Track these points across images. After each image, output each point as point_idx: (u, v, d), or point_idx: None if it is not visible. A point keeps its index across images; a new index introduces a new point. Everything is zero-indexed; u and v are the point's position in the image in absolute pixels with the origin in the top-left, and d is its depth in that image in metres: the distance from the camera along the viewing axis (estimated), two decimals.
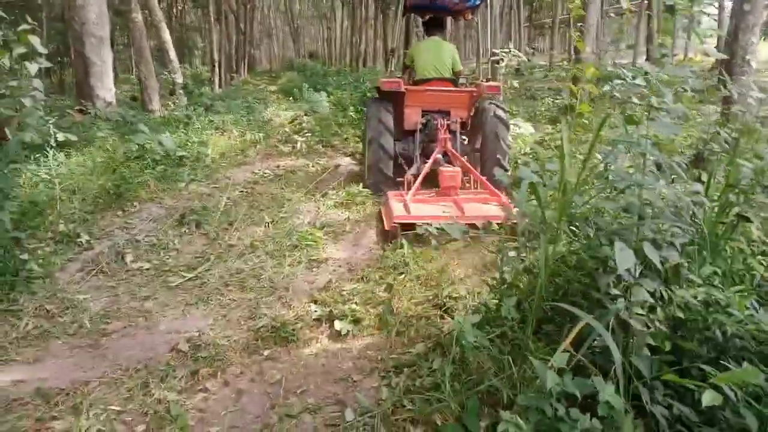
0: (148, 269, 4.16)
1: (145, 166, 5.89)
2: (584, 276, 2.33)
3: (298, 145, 7.21)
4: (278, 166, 6.78)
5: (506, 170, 5.57)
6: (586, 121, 6.59)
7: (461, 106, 6.10)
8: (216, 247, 4.63)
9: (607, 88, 4.39)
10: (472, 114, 6.23)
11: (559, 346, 1.85)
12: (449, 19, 7.58)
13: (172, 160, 6.17)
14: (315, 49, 58.31)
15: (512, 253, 2.90)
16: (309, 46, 60.71)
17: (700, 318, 1.92)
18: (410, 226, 4.05)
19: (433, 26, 6.54)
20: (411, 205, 4.77)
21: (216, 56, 20.36)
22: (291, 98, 14.91)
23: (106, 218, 5.09)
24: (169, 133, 6.97)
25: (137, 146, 5.96)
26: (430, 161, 5.43)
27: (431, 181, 5.46)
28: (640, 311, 1.95)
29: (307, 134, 7.47)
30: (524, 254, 2.84)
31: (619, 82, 4.23)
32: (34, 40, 4.07)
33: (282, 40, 63.96)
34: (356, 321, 3.29)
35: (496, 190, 5.07)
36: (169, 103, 12.54)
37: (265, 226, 5.06)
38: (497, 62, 13.24)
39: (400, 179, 5.71)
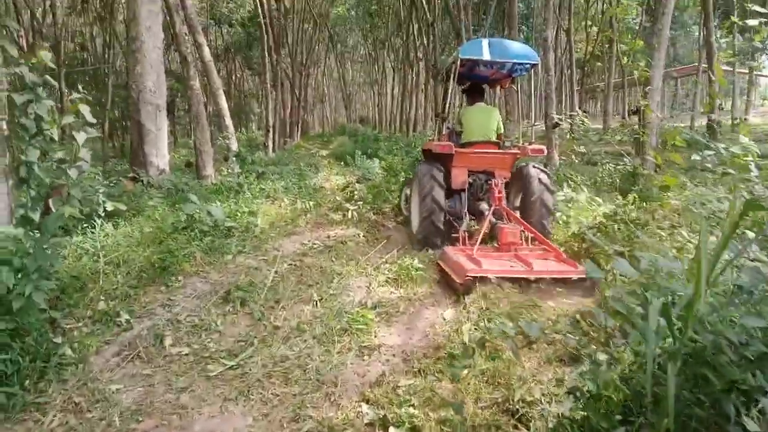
0: (187, 354, 3.85)
1: (192, 237, 5.71)
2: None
3: (349, 213, 6.97)
4: (328, 237, 6.51)
5: (548, 231, 6.05)
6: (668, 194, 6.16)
7: (505, 166, 6.49)
8: (260, 329, 4.30)
9: (696, 157, 3.98)
10: (516, 175, 6.56)
11: None
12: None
13: (221, 231, 5.99)
14: (366, 114, 59.67)
15: (602, 356, 2.46)
16: (360, 112, 62.23)
17: None
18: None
19: (475, 92, 7.05)
20: (480, 259, 4.97)
21: (270, 121, 20.83)
22: (342, 163, 14.91)
23: (149, 294, 4.86)
24: (220, 202, 6.87)
25: (186, 216, 5.81)
26: (489, 215, 5.85)
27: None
28: None
29: (358, 202, 7.24)
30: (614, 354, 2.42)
31: (709, 153, 3.80)
32: (84, 109, 3.98)
33: (334, 105, 66.00)
34: (414, 430, 2.84)
35: (553, 245, 5.38)
36: (223, 168, 12.71)
37: (313, 305, 4.72)
38: (555, 125, 12.89)
39: (455, 234, 6.13)
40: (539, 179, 6.12)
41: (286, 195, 7.86)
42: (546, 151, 7.78)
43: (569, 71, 34.14)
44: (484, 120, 6.67)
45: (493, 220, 5.98)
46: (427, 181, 6.03)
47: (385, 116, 42.68)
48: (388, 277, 5.28)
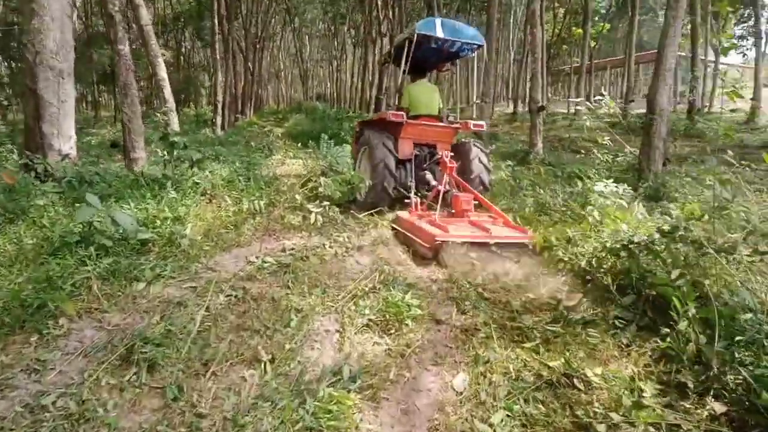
0: None
1: (88, 256, 3.98)
2: None
3: (312, 216, 5.32)
4: (284, 250, 4.85)
5: (487, 189, 6.70)
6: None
7: (447, 140, 6.94)
8: (174, 416, 2.71)
9: None
10: (456, 149, 6.95)
11: None
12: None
13: (131, 246, 4.29)
14: (323, 91, 57.53)
15: None
16: (318, 89, 60.05)
17: None
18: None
19: (418, 71, 7.53)
20: (445, 225, 5.19)
21: (219, 96, 18.81)
22: (300, 144, 13.19)
23: (10, 349, 3.19)
24: (135, 201, 5.14)
25: (80, 226, 4.09)
26: (443, 184, 6.08)
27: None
28: None
29: (324, 203, 5.56)
30: None
31: None
32: None
33: (291, 81, 63.49)
34: None
35: (500, 212, 5.70)
36: (158, 150, 10.81)
37: (261, 369, 3.14)
38: (541, 109, 11.54)
39: (408, 200, 6.28)
40: (479, 158, 6.71)
41: (229, 190, 6.14)
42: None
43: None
44: (429, 96, 7.16)
45: (446, 188, 6.18)
46: (379, 149, 6.28)
47: (344, 94, 40.67)
48: (370, 319, 3.72)
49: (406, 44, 6.67)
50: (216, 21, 19.00)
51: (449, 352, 3.47)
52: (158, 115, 10.66)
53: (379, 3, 29.32)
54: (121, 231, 4.16)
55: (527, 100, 39.92)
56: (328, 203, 5.51)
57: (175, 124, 12.02)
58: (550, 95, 41.42)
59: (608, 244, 4.44)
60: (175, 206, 5.18)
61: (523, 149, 12.66)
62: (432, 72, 8.82)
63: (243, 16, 30.87)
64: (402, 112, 6.64)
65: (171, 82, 36.53)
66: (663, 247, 4.04)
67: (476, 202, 6.04)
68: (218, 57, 19.12)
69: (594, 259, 4.49)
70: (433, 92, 7.31)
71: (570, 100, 28.26)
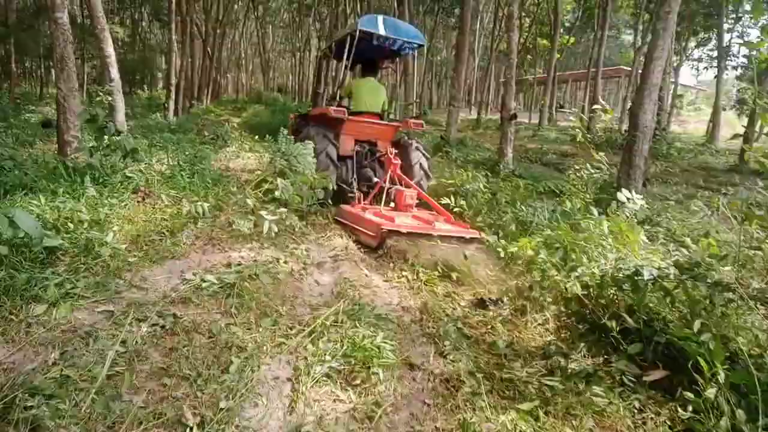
0: None
1: None
2: None
3: (265, 225, 4.52)
4: (229, 264, 4.05)
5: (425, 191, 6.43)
6: None
7: (387, 137, 6.99)
8: None
9: None
10: (396, 146, 6.89)
11: None
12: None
13: (34, 256, 3.42)
14: (285, 83, 56.19)
15: None
16: (279, 80, 58.67)
17: None
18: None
19: (367, 68, 7.51)
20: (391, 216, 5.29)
21: (173, 80, 17.62)
22: (257, 137, 12.31)
23: None
24: (53, 195, 4.23)
25: None
26: (386, 180, 6.06)
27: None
28: None
29: (280, 209, 4.74)
30: None
31: None
32: None
33: (252, 70, 61.91)
34: None
35: (442, 208, 5.73)
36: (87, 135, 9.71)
37: None
38: (513, 117, 11.04)
39: (352, 195, 6.39)
40: (420, 163, 6.70)
41: (168, 187, 5.28)
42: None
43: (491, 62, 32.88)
44: (374, 94, 7.15)
45: (388, 185, 6.18)
46: (321, 140, 6.25)
47: (307, 87, 39.59)
48: (331, 366, 2.98)
49: (348, 39, 6.75)
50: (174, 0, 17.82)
51: (428, 413, 2.78)
52: (101, 94, 9.59)
53: None
54: (21, 236, 3.28)
55: (490, 107, 39.94)
56: (285, 210, 4.72)
57: (120, 107, 10.90)
58: (515, 104, 41.53)
59: (611, 272, 3.84)
60: (97, 206, 4.29)
61: (492, 159, 12.14)
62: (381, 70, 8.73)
63: None
64: (343, 108, 6.76)
65: (125, 62, 34.81)
66: (677, 285, 3.46)
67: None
68: (173, 38, 17.89)
69: (592, 288, 3.87)
70: (378, 90, 7.33)
71: (565, 109, 28.19)
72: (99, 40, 10.70)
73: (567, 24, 39.68)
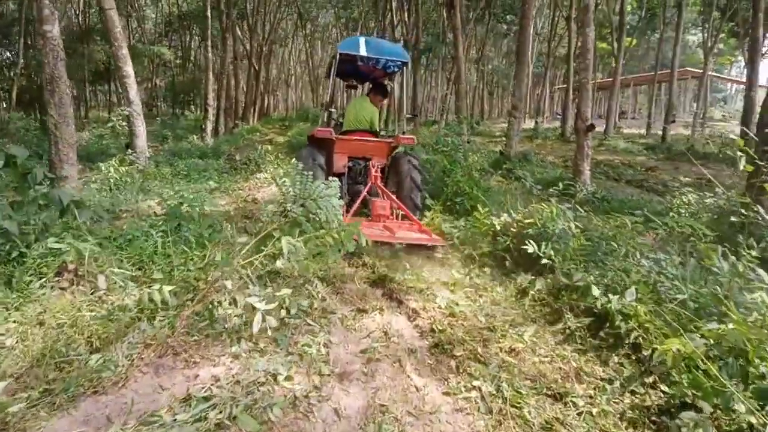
0: None
1: None
2: None
3: (256, 321, 2.85)
4: (188, 397, 2.49)
5: (419, 208, 6.60)
6: None
7: (380, 153, 7.20)
8: None
9: None
10: (389, 163, 7.21)
11: None
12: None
13: None
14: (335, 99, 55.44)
15: None
16: (327, 97, 57.88)
17: None
18: None
19: (376, 89, 7.62)
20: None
21: (211, 100, 16.62)
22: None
23: None
24: None
25: None
26: (364, 192, 6.46)
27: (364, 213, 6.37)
28: None
29: (284, 291, 3.11)
30: None
31: None
32: None
33: (301, 88, 61.80)
34: None
35: (415, 219, 6.05)
36: (113, 164, 8.54)
37: None
38: (590, 129, 9.25)
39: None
40: (410, 176, 6.64)
41: (122, 258, 3.57)
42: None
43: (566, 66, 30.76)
44: (364, 112, 7.31)
45: (368, 197, 6.50)
46: (308, 162, 6.33)
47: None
48: None
49: (333, 62, 7.20)
50: (208, 12, 16.86)
51: None
52: (113, 120, 8.44)
53: (394, 6, 27.22)
54: None
55: (546, 116, 37.74)
56: (289, 292, 3.13)
57: (140, 131, 9.80)
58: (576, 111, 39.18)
59: None
60: None
61: (565, 177, 10.32)
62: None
63: (248, 15, 28.83)
64: (329, 129, 6.96)
65: (175, 84, 34.64)
66: None
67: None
68: (209, 54, 16.91)
69: None
70: (368, 108, 7.42)
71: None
72: (116, 58, 9.64)
73: (627, 26, 37.17)
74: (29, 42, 24.31)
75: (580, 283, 3.97)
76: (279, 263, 2.99)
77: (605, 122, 25.05)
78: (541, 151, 20.31)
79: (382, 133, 7.33)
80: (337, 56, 6.88)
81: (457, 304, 3.97)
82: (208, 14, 16.50)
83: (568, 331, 3.70)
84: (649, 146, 20.74)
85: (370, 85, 8.07)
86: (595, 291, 3.62)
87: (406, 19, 25.18)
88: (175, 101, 41.38)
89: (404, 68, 7.49)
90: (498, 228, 5.12)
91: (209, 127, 16.69)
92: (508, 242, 4.88)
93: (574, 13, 25.71)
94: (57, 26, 6.50)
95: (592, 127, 9.35)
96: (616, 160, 16.69)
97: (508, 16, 38.44)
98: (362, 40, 7.06)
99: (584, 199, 8.82)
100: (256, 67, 32.92)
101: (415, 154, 7.19)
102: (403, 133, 7.33)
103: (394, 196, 6.53)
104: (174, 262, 3.12)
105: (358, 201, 6.24)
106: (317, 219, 3.63)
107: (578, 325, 3.70)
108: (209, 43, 16.87)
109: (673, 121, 20.79)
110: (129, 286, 3.04)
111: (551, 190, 9.51)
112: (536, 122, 28.37)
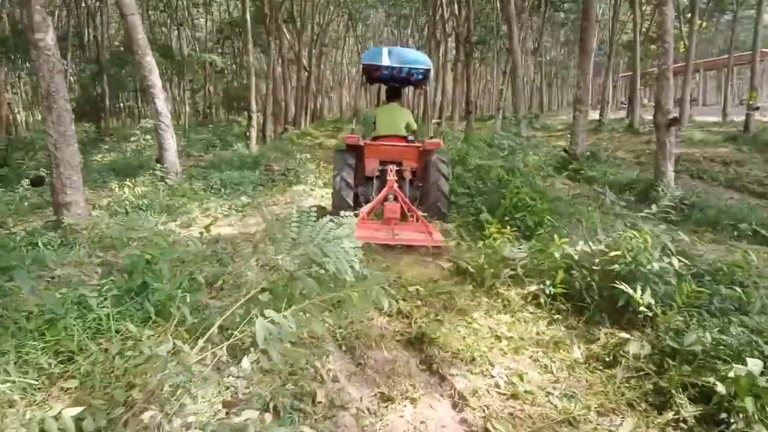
0: None
1: None
2: None
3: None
4: None
5: (444, 213, 6.80)
6: None
7: (411, 157, 7.33)
8: None
9: None
10: (422, 165, 7.26)
11: None
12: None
13: None
14: None
15: None
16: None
17: None
18: None
19: (392, 95, 8.00)
20: (360, 228, 5.33)
21: (254, 106, 16.03)
22: None
23: None
24: None
25: None
26: (379, 197, 6.52)
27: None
28: None
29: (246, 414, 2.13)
30: None
31: None
32: None
33: (355, 89, 61.43)
34: None
35: (427, 224, 6.05)
36: (130, 184, 7.89)
37: None
38: (672, 123, 7.91)
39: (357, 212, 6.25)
40: (437, 167, 6.79)
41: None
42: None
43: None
44: (394, 117, 7.55)
45: (390, 199, 6.44)
46: (340, 164, 6.90)
47: (406, 101, 37.46)
48: None
49: (361, 71, 7.98)
50: (247, 14, 16.25)
51: None
52: (137, 132, 7.81)
53: (444, 1, 26.01)
54: None
55: (610, 106, 35.50)
56: (257, 413, 2.05)
57: (170, 144, 9.15)
58: (646, 100, 36.80)
59: None
60: None
61: (642, 180, 8.96)
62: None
63: (295, 18, 28.33)
64: (356, 136, 7.23)
65: (229, 91, 34.64)
66: None
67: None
68: (250, 57, 16.31)
69: None
70: (399, 114, 7.63)
71: None
72: (140, 66, 9.02)
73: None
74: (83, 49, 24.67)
75: (695, 347, 2.83)
76: (245, 363, 2.02)
77: (678, 111, 22.93)
78: (609, 146, 18.68)
79: (410, 138, 7.50)
80: (361, 67, 7.54)
81: (521, 378, 2.91)
82: (247, 17, 15.84)
83: (682, 424, 2.60)
84: (730, 136, 18.67)
85: (385, 91, 8.37)
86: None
87: (457, 13, 23.93)
88: (230, 108, 41.58)
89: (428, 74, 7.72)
90: (574, 257, 3.97)
91: (253, 134, 16.09)
92: (588, 279, 3.75)
93: None
94: (51, 34, 5.80)
95: (675, 120, 7.99)
96: (696, 153, 14.93)
97: (565, 4, 36.51)
98: (385, 50, 7.45)
99: (670, 206, 7.49)
100: (307, 70, 32.46)
101: (446, 158, 7.27)
102: (431, 137, 7.55)
103: (422, 198, 7.01)
104: (111, 351, 2.22)
105: (372, 204, 6.48)
106: (325, 271, 2.65)
107: (696, 413, 2.60)
108: (250, 48, 16.26)
109: (757, 108, 18.63)
110: (18, 404, 2.11)
111: (628, 195, 8.24)
112: (601, 114, 26.40)
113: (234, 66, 42.29)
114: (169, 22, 34.11)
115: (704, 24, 35.39)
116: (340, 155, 7.12)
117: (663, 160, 8.12)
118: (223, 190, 8.86)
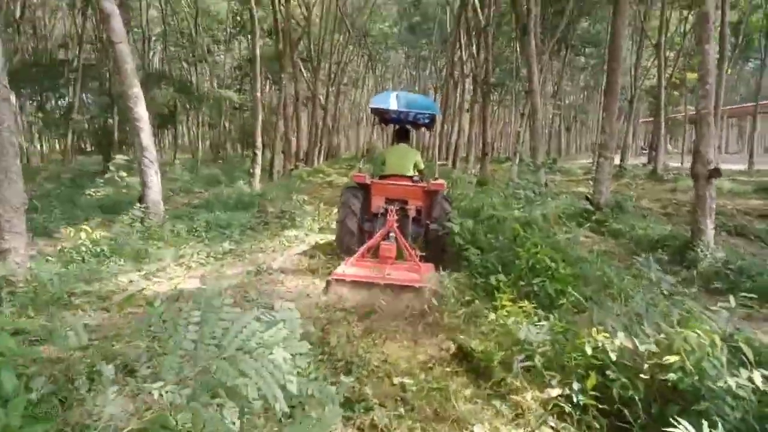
0: None
1: None
2: None
3: None
4: None
5: (446, 251, 6.83)
6: None
7: (416, 197, 7.51)
8: None
9: None
10: (426, 204, 7.46)
11: None
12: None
13: None
14: None
15: None
16: None
17: None
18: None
19: (400, 135, 8.26)
20: (348, 267, 5.90)
21: (259, 142, 15.38)
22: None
23: None
24: None
25: None
26: (377, 237, 6.63)
27: None
28: None
29: None
30: None
31: None
32: None
33: (373, 127, 61.33)
34: None
35: (420, 263, 6.19)
36: (84, 230, 7.05)
37: None
38: (713, 175, 6.97)
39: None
40: (441, 206, 7.12)
41: None
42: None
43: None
44: (401, 158, 7.75)
45: (390, 238, 6.53)
46: (347, 196, 7.27)
47: (421, 141, 36.89)
48: None
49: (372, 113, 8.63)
50: (256, 49, 15.74)
51: None
52: (112, 168, 7.06)
53: (463, 43, 25.58)
54: None
55: (630, 152, 34.55)
56: None
57: (154, 182, 8.35)
58: (670, 147, 35.84)
59: None
60: None
61: (676, 236, 7.94)
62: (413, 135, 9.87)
63: (312, 56, 28.15)
64: (364, 174, 7.55)
65: (245, 126, 34.34)
66: None
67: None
68: (258, 93, 15.74)
69: None
70: (405, 154, 7.82)
71: None
72: (126, 97, 8.32)
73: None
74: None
75: None
76: None
77: None
78: (632, 193, 17.62)
79: (416, 177, 7.74)
80: (369, 110, 7.98)
81: None
82: (257, 53, 15.33)
83: None
84: (761, 186, 17.56)
85: (395, 130, 8.64)
86: None
87: (476, 54, 23.42)
88: (244, 143, 41.47)
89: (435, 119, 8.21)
90: (613, 356, 2.96)
91: (257, 171, 15.38)
92: (630, 391, 2.75)
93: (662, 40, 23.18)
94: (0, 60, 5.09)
95: (716, 172, 7.01)
96: (728, 205, 13.83)
97: (586, 49, 36.08)
98: (393, 94, 7.81)
99: (711, 270, 6.45)
100: (323, 108, 32.13)
101: (449, 198, 7.65)
102: (436, 178, 7.75)
103: (413, 238, 7.15)
104: None
105: (370, 242, 6.60)
106: (245, 396, 1.72)
107: None
108: (258, 85, 15.75)
109: None
110: None
111: (660, 253, 7.23)
112: (622, 159, 25.41)
113: (251, 102, 42.32)
114: (190, 57, 34.16)
115: (729, 71, 34.64)
116: (349, 191, 7.43)
117: (702, 215, 7.12)
118: (205, 234, 8.02)
